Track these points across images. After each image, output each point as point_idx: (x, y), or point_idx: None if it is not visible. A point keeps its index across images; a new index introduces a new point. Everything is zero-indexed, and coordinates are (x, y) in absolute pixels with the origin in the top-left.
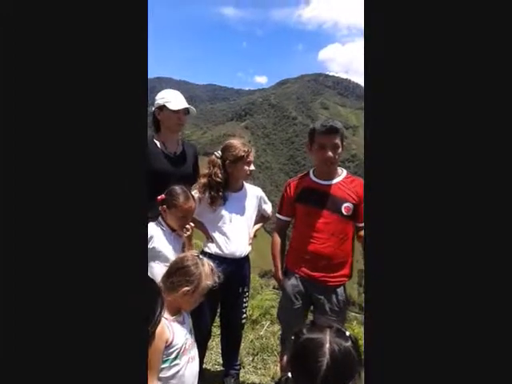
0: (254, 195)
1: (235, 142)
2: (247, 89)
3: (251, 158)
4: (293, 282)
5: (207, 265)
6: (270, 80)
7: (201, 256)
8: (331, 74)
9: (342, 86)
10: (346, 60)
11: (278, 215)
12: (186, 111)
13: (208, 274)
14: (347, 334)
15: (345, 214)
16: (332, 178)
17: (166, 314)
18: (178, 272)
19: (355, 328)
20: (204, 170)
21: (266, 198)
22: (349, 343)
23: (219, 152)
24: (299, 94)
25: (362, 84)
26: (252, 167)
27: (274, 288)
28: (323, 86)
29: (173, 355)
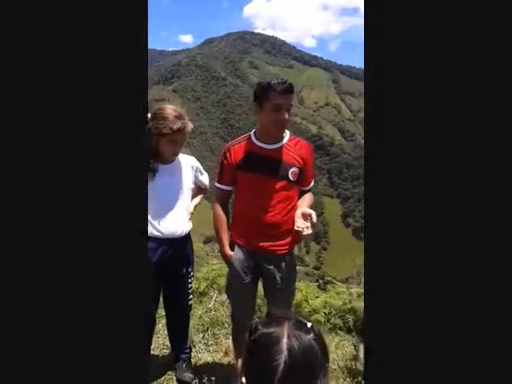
0: (188, 166)
1: (168, 111)
2: (171, 49)
3: (181, 137)
4: (240, 256)
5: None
6: (195, 39)
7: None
8: (257, 31)
9: (268, 44)
10: (272, 15)
11: (218, 185)
12: None
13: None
14: (308, 325)
15: (291, 179)
16: (277, 141)
17: None
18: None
19: (302, 288)
20: None
21: (201, 169)
22: (311, 335)
23: (148, 116)
24: (226, 53)
25: (288, 41)
26: (178, 148)
27: (219, 252)
28: (250, 44)
29: None
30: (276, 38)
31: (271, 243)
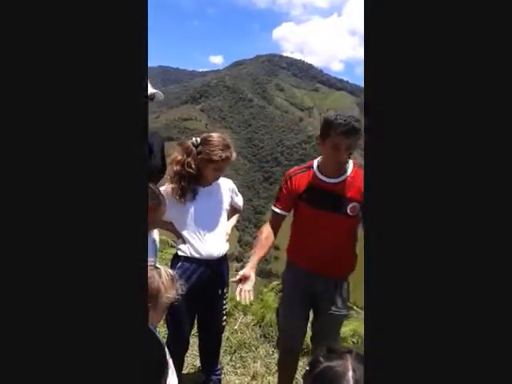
0: (225, 188)
1: (217, 140)
2: (200, 70)
3: (225, 165)
4: (295, 274)
5: (165, 275)
6: (225, 60)
7: (158, 265)
8: (285, 54)
9: (296, 67)
10: (300, 39)
11: (274, 208)
12: (150, 97)
13: (168, 285)
14: None
15: (350, 214)
16: (340, 175)
17: None
18: None
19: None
20: (177, 155)
21: (237, 190)
22: None
23: (197, 140)
24: (254, 75)
25: (315, 65)
26: (221, 175)
27: (236, 271)
28: (278, 67)
29: None
30: (303, 61)
31: (327, 267)
